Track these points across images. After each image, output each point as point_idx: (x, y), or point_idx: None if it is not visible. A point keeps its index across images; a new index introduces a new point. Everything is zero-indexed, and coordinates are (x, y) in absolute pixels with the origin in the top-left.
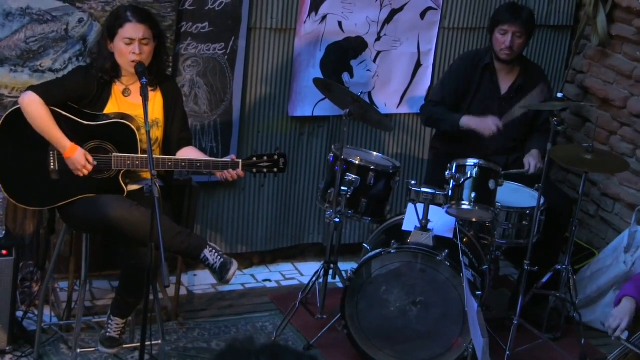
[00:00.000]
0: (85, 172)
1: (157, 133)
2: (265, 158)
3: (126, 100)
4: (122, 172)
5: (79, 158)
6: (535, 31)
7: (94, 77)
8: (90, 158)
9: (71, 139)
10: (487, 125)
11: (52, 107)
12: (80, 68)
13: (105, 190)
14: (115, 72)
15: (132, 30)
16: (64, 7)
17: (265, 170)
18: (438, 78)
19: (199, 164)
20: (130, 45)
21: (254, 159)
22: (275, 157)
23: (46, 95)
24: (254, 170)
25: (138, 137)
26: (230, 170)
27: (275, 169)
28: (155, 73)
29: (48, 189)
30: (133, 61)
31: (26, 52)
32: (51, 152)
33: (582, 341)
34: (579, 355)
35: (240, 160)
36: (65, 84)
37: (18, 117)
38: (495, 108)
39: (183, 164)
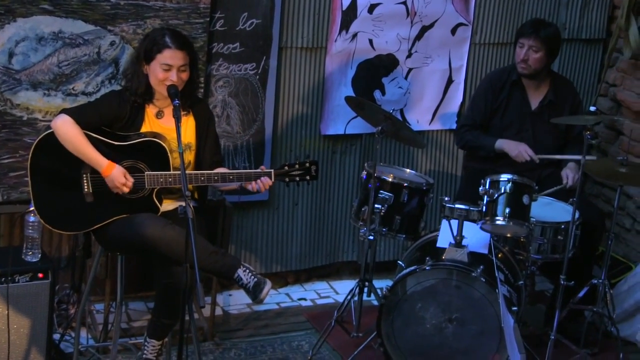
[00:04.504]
0: (126, 189)
1: (190, 157)
2: (297, 166)
3: (159, 124)
4: (155, 190)
5: (117, 175)
6: (562, 47)
7: (127, 101)
8: (129, 176)
9: None
10: (520, 153)
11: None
12: (113, 92)
13: (139, 209)
14: (148, 94)
15: (171, 57)
16: (96, 31)
17: (297, 178)
18: (470, 94)
19: (231, 177)
20: (168, 71)
21: (286, 167)
22: (307, 164)
23: (79, 118)
24: (287, 179)
25: (169, 155)
26: (261, 179)
27: (308, 177)
28: (188, 95)
29: (83, 212)
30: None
31: (59, 76)
32: (84, 175)
33: (621, 355)
34: None
35: (272, 170)
36: (98, 108)
37: (50, 141)
38: (528, 124)
39: (216, 177)
